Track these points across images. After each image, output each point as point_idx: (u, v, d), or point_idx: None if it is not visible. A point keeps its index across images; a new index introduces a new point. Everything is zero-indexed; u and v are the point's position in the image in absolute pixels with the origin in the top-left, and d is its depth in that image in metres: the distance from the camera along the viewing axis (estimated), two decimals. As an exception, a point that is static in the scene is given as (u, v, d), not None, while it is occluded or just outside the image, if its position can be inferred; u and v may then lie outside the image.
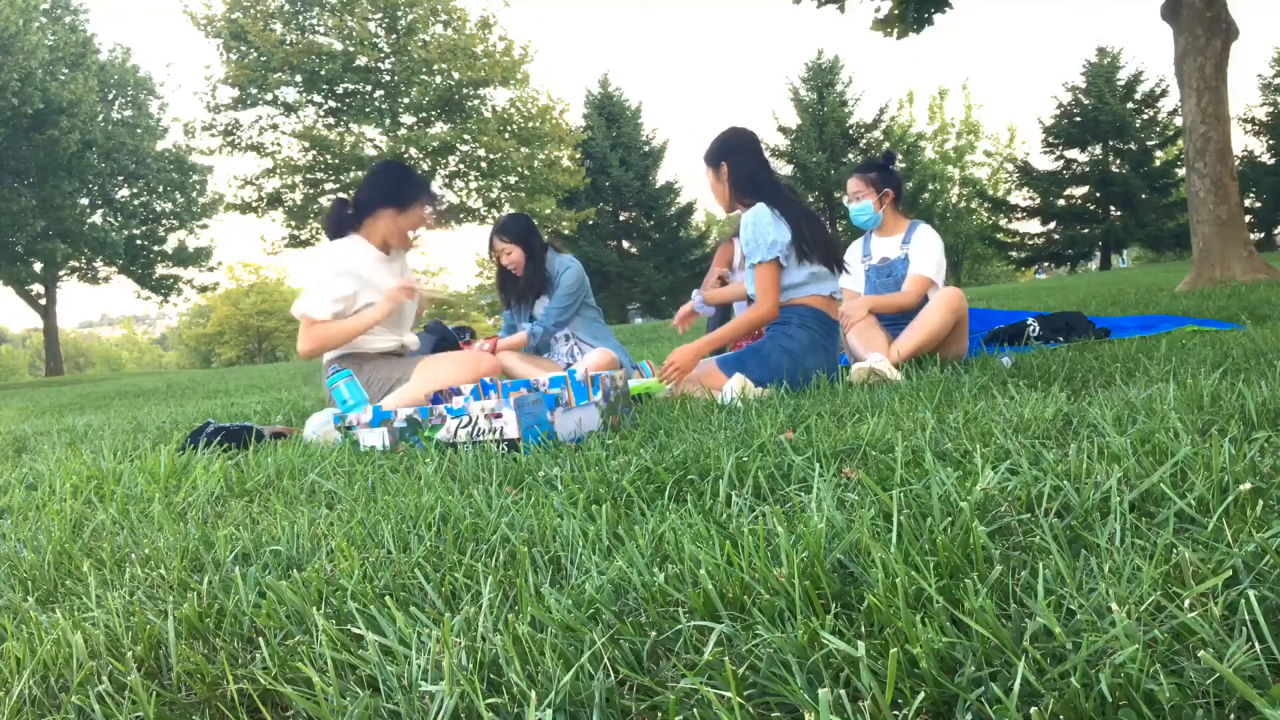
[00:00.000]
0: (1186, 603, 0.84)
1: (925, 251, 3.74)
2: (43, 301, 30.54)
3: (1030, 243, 34.62)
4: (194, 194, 31.07)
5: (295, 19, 24.40)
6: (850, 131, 34.02)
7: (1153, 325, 4.26)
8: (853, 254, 4.03)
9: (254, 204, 26.01)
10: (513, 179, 26.52)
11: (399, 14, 24.63)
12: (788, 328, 3.23)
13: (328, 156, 25.22)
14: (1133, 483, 1.24)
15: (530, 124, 26.00)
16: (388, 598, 1.10)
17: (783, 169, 33.46)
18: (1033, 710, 0.69)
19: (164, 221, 31.06)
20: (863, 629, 0.89)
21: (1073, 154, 33.12)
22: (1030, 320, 4.03)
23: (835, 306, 3.33)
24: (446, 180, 27.15)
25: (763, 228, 3.16)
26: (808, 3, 10.86)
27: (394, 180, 3.28)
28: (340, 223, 3.29)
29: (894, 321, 3.83)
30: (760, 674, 0.82)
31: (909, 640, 0.81)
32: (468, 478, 1.87)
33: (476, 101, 25.94)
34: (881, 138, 34.33)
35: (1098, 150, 32.75)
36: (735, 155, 3.32)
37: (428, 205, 3.33)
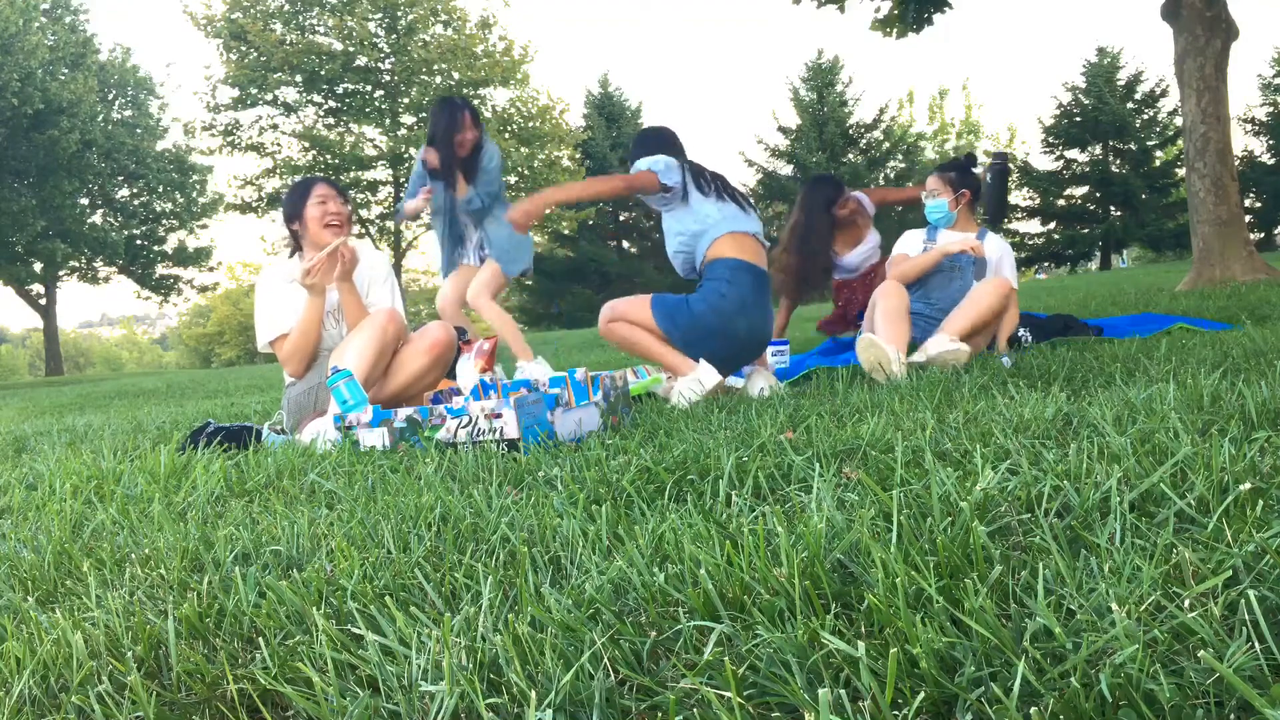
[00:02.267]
0: (1186, 603, 0.84)
1: (1011, 263, 3.82)
2: (43, 301, 30.52)
3: (1030, 243, 34.59)
4: (194, 194, 31.04)
5: (295, 19, 24.40)
6: (850, 131, 33.99)
7: (1143, 324, 4.27)
8: (913, 238, 3.99)
9: (254, 204, 26.02)
10: (513, 179, 26.53)
11: (399, 14, 24.63)
12: (718, 284, 3.20)
13: (328, 157, 25.23)
14: (1133, 483, 1.24)
15: (530, 124, 26.00)
16: (388, 598, 1.10)
17: (783, 169, 33.44)
18: (1033, 710, 0.69)
19: (164, 221, 31.02)
20: (863, 629, 0.89)
21: (1073, 154, 33.09)
22: (1022, 331, 4.01)
23: (761, 252, 3.31)
24: (447, 180, 27.11)
25: (641, 165, 3.32)
26: (808, 3, 10.86)
27: (287, 198, 3.34)
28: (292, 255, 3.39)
29: (931, 317, 3.81)
30: (760, 674, 0.82)
31: (909, 640, 0.81)
32: (468, 478, 1.87)
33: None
34: (882, 138, 34.30)
35: (1098, 150, 32.73)
36: (649, 146, 3.46)
37: (315, 195, 3.26)
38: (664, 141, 3.50)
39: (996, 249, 3.82)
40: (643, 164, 3.33)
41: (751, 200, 3.42)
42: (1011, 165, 4.62)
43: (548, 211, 25.81)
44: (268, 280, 3.23)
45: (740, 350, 3.25)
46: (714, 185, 3.31)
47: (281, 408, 3.28)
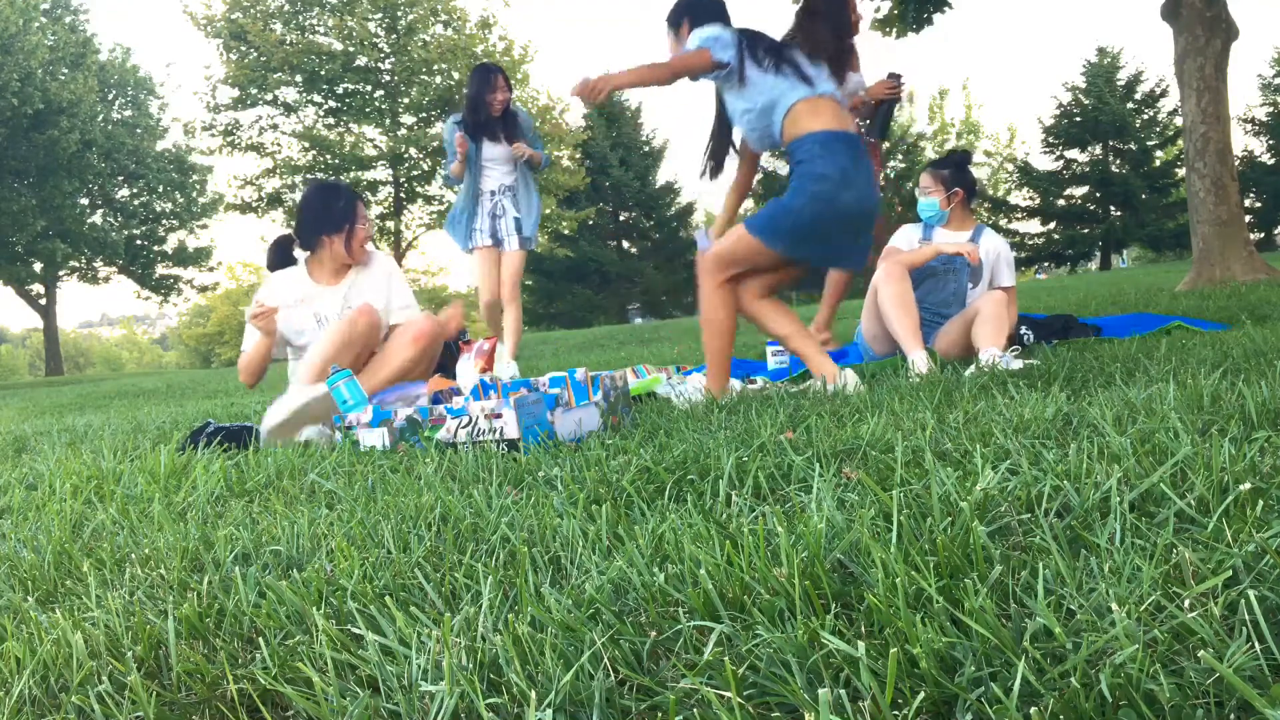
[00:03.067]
0: (1186, 603, 0.84)
1: (1011, 262, 3.81)
2: (43, 301, 30.53)
3: (1030, 243, 34.62)
4: (194, 194, 31.04)
5: (295, 19, 24.40)
6: (850, 131, 34.00)
7: (1141, 323, 4.29)
8: (909, 237, 3.97)
9: (254, 204, 26.01)
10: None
11: (399, 14, 24.62)
12: (812, 165, 2.86)
13: (328, 157, 25.23)
14: (1133, 483, 1.24)
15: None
16: (388, 598, 1.10)
17: (783, 168, 33.42)
18: (1033, 710, 0.69)
19: (164, 221, 31.03)
20: (863, 629, 0.89)
21: (1073, 154, 33.13)
22: (1024, 328, 4.02)
23: (840, 112, 3.02)
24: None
25: (693, 40, 3.02)
26: (808, 3, 10.84)
27: (324, 203, 3.24)
28: (284, 259, 3.34)
29: (925, 320, 3.81)
30: (760, 674, 0.82)
31: (909, 640, 0.81)
32: (468, 478, 1.87)
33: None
34: (882, 138, 34.32)
35: (1098, 150, 32.76)
36: (699, 14, 3.18)
37: (362, 213, 3.27)
38: (717, 10, 3.19)
39: (993, 249, 3.80)
40: (697, 36, 3.00)
41: (818, 60, 3.09)
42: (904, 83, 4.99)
43: (547, 211, 25.29)
44: (266, 289, 3.25)
45: (853, 228, 2.95)
46: (771, 57, 2.99)
47: None
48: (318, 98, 25.44)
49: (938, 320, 3.78)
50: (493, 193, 5.31)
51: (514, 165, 5.31)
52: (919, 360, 3.17)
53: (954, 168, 3.87)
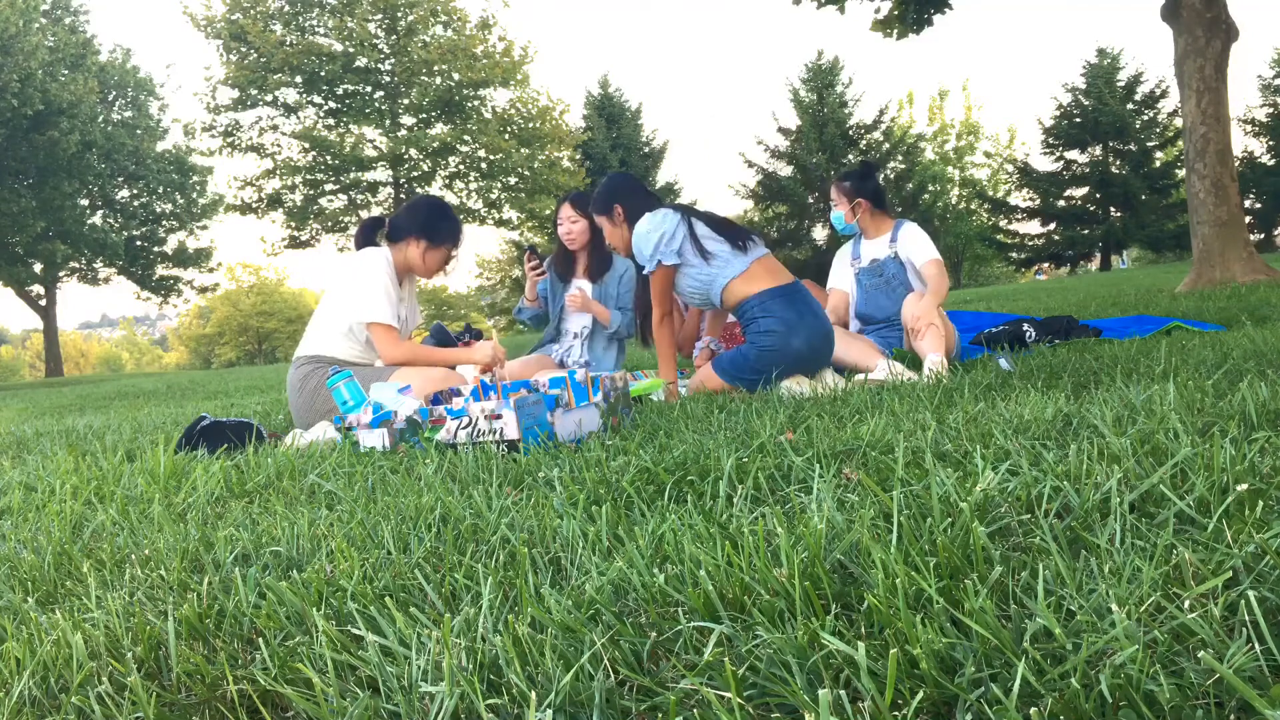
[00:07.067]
0: (1186, 603, 0.84)
1: (922, 242, 3.78)
2: (43, 302, 30.53)
3: (1030, 244, 34.62)
4: (194, 195, 31.05)
5: (295, 20, 24.41)
6: (850, 132, 33.98)
7: (1140, 324, 4.30)
8: (842, 258, 4.05)
9: (254, 205, 26.03)
10: (513, 180, 26.52)
11: (399, 15, 24.64)
12: (756, 323, 3.21)
13: (328, 157, 25.25)
14: (1133, 483, 1.24)
15: (530, 125, 25.99)
16: (388, 598, 1.10)
17: (783, 170, 33.44)
18: (1033, 711, 0.69)
19: (164, 222, 31.04)
20: (863, 630, 0.89)
21: (1073, 155, 33.12)
22: (1026, 326, 4.04)
23: (771, 268, 3.29)
24: (447, 181, 27.16)
25: (641, 242, 3.28)
26: (808, 3, 10.86)
27: (434, 214, 3.44)
28: (371, 239, 3.49)
29: (883, 325, 3.82)
30: (760, 674, 0.82)
31: (909, 641, 0.81)
32: (468, 479, 1.87)
33: (476, 102, 25.93)
34: (881, 139, 34.29)
35: (1098, 151, 32.75)
36: (627, 197, 3.44)
37: (454, 247, 3.50)
38: (640, 193, 3.45)
39: (907, 244, 3.80)
40: (641, 238, 3.27)
41: (741, 231, 3.34)
42: None
43: (546, 211, 25.78)
44: (380, 263, 3.32)
45: (810, 363, 3.23)
46: (714, 232, 3.28)
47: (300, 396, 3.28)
48: (318, 99, 25.45)
49: (886, 330, 3.82)
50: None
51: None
52: (880, 370, 3.20)
53: (855, 179, 3.92)
